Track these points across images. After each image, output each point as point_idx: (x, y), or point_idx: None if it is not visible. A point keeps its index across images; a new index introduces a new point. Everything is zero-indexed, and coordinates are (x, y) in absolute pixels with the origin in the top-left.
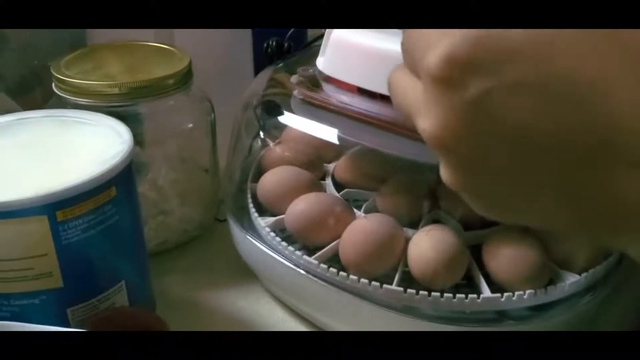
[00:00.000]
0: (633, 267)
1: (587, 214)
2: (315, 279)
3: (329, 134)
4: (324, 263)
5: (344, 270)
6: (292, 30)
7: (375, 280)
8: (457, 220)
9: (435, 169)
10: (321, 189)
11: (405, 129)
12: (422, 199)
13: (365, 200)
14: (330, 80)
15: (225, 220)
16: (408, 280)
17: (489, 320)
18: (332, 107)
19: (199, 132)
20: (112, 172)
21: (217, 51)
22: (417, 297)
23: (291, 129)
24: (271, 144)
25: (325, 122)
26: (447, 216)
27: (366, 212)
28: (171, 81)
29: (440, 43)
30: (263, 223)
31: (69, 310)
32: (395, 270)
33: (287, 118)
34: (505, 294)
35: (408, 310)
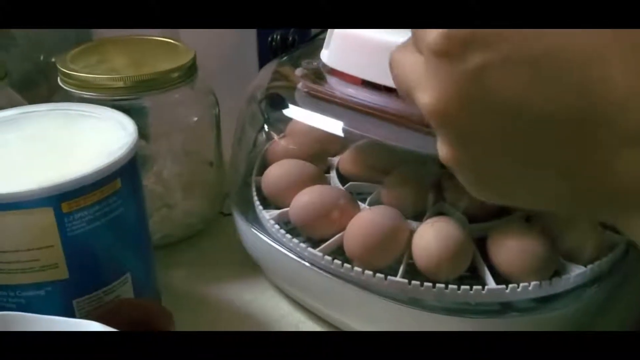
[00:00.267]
0: (639, 258)
1: (579, 189)
2: (319, 271)
3: (333, 126)
4: (329, 255)
5: (348, 262)
6: None
7: (380, 272)
8: (461, 213)
9: (439, 160)
10: (326, 181)
11: (410, 121)
12: (427, 191)
13: (369, 193)
14: (334, 72)
15: (230, 213)
16: (412, 272)
17: (494, 312)
18: (336, 100)
19: (203, 125)
20: (117, 164)
21: (222, 45)
22: (422, 288)
23: (296, 122)
24: (276, 137)
25: (330, 115)
26: (452, 208)
27: (371, 204)
28: (176, 75)
29: None
30: (268, 216)
31: (74, 302)
32: (399, 262)
33: (292, 111)
34: (510, 286)
35: (412, 302)
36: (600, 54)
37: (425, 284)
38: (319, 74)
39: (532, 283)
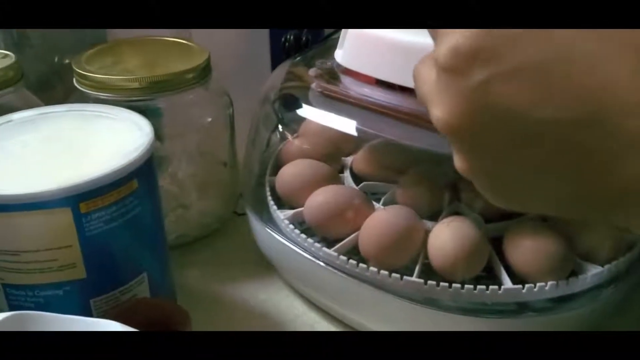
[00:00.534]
0: None
1: (587, 191)
2: (335, 270)
3: (347, 126)
4: (344, 255)
5: (363, 262)
6: None
7: (396, 272)
8: (477, 212)
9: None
10: (340, 181)
11: (425, 121)
12: (442, 190)
13: (383, 193)
14: (348, 72)
15: (243, 213)
16: (428, 272)
17: (510, 312)
18: (350, 100)
19: (217, 126)
20: (134, 165)
21: (234, 45)
22: (438, 288)
23: (309, 121)
24: (289, 137)
25: (344, 115)
26: (468, 208)
27: (385, 204)
28: (190, 75)
29: (450, 34)
30: (282, 216)
31: (92, 302)
32: (415, 262)
33: (306, 111)
34: (527, 285)
35: (428, 301)
36: (606, 60)
37: (442, 283)
38: (333, 73)
39: (549, 283)
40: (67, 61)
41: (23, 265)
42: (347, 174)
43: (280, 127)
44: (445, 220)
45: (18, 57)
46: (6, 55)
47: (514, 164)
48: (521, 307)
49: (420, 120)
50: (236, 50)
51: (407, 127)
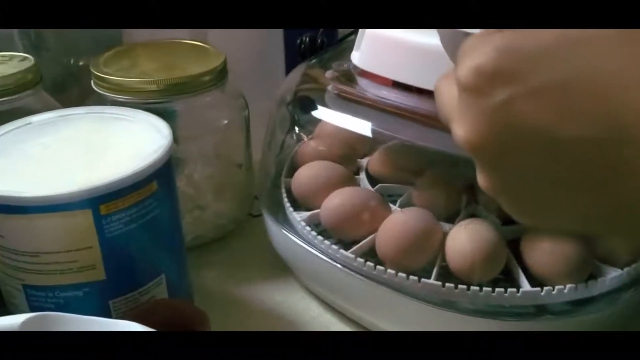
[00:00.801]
0: None
1: (613, 208)
2: (352, 273)
3: (363, 127)
4: (361, 257)
5: (380, 264)
6: None
7: (413, 274)
8: (494, 214)
9: (472, 162)
10: (355, 183)
11: (442, 122)
12: (460, 192)
13: (399, 195)
14: (365, 74)
15: (259, 215)
16: (446, 274)
17: (528, 315)
18: (367, 101)
19: (233, 128)
20: (154, 167)
21: (249, 48)
22: (456, 291)
23: (325, 123)
24: (305, 138)
25: (360, 116)
26: (485, 210)
27: (401, 206)
28: (207, 78)
29: (472, 54)
30: (298, 217)
31: (111, 303)
32: (432, 265)
33: (321, 112)
34: (545, 288)
35: (446, 304)
36: (628, 79)
37: (460, 286)
38: (350, 75)
39: (568, 286)
40: (82, 63)
41: (43, 267)
42: (362, 176)
43: (296, 128)
44: (462, 222)
45: (36, 60)
46: (25, 58)
47: (537, 182)
48: (539, 310)
49: (437, 122)
50: (251, 53)
51: (423, 129)
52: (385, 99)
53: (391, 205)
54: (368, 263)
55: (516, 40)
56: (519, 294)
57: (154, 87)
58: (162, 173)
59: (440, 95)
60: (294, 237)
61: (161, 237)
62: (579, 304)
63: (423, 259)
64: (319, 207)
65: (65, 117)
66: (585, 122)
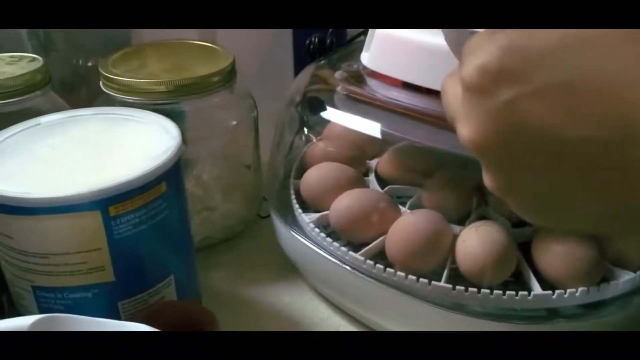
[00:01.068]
0: None
1: (621, 208)
2: (361, 275)
3: (372, 129)
4: (370, 259)
5: (390, 266)
6: None
7: (423, 277)
8: (505, 216)
9: None
10: (365, 185)
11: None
12: (470, 194)
13: (408, 197)
14: (374, 75)
15: (267, 216)
16: (456, 277)
17: (540, 318)
18: (377, 102)
19: (242, 129)
20: (163, 168)
21: (258, 49)
22: (467, 294)
23: (334, 124)
24: (314, 139)
25: (369, 117)
26: (495, 212)
27: (411, 208)
28: (216, 79)
29: (477, 53)
30: (307, 219)
31: (119, 304)
32: (442, 267)
33: (330, 114)
34: (557, 292)
35: (456, 307)
36: (634, 79)
37: (470, 289)
38: (359, 76)
39: (579, 289)
40: (91, 64)
41: (53, 268)
42: (372, 177)
43: (305, 129)
44: (473, 224)
45: (45, 61)
46: (34, 59)
47: (543, 182)
48: (551, 314)
49: (446, 123)
50: (260, 54)
51: (433, 130)
52: (395, 100)
53: (401, 207)
54: (378, 265)
55: (520, 40)
56: (530, 297)
57: (162, 88)
58: (171, 174)
59: (445, 95)
60: (303, 239)
61: (170, 238)
62: (591, 308)
63: (433, 261)
64: (327, 209)
65: (74, 118)
66: (591, 122)
